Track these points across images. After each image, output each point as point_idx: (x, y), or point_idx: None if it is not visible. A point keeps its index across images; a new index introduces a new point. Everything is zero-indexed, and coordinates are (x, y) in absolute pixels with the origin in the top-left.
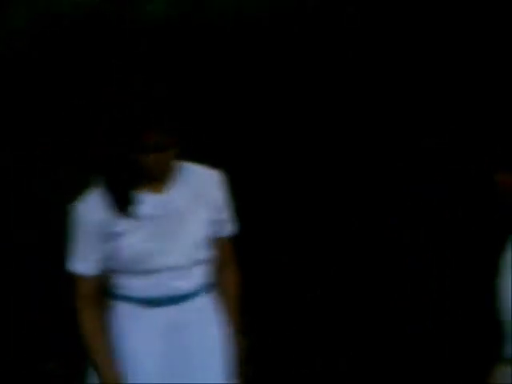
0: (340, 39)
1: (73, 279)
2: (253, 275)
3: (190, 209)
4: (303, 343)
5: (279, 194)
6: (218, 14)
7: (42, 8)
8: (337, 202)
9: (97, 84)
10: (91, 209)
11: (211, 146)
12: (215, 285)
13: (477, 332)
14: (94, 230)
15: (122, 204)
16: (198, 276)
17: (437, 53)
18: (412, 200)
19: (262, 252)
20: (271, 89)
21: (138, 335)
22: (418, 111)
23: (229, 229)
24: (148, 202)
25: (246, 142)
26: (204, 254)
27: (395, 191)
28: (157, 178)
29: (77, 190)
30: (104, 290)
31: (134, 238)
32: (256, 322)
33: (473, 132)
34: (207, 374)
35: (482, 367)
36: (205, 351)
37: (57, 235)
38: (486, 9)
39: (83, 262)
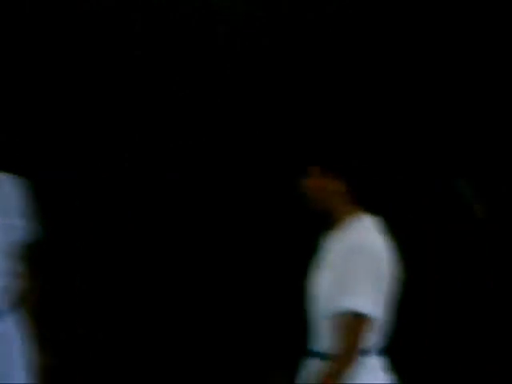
0: (340, 40)
1: None
2: (252, 275)
3: None
4: (303, 343)
5: (280, 194)
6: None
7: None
8: None
9: (97, 84)
10: None
11: (211, 146)
12: (20, 301)
13: (477, 332)
14: None
15: None
16: None
17: (436, 54)
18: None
19: (261, 252)
20: (270, 89)
21: None
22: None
23: (24, 236)
24: None
25: (247, 141)
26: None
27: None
28: None
29: None
30: None
31: None
32: (255, 321)
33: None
34: None
35: (482, 367)
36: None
37: (57, 235)
38: (486, 10)
39: None
